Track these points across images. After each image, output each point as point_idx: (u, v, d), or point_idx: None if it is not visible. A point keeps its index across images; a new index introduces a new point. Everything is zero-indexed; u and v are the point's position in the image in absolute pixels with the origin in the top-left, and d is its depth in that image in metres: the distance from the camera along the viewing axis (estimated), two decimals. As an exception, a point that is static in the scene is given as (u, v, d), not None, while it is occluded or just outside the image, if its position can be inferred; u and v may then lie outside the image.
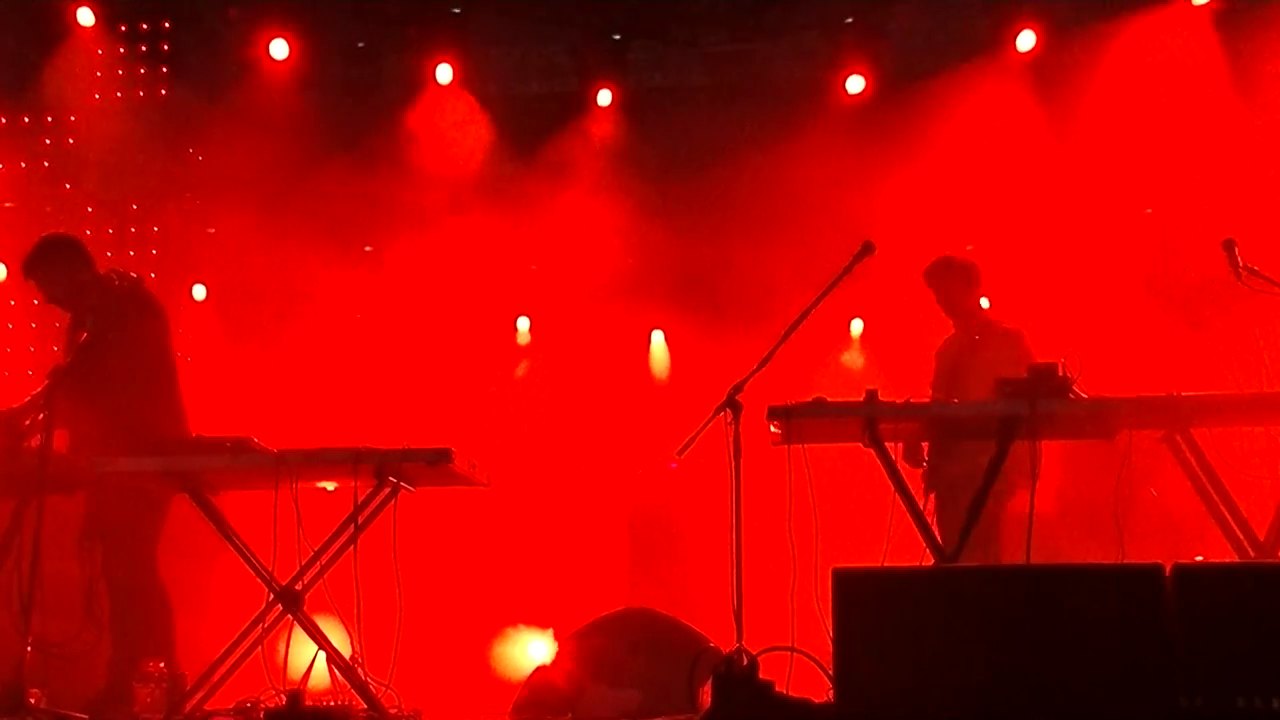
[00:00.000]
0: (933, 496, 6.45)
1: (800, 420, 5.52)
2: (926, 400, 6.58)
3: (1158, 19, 8.70)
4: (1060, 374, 5.39)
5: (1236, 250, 5.57)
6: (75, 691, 5.94)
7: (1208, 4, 8.59)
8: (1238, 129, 8.31)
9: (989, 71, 9.14)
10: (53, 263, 6.33)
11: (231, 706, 5.50)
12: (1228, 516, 5.38)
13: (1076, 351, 5.90)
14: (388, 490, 5.57)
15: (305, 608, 5.55)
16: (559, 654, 6.19)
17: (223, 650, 5.54)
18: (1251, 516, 5.40)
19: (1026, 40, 9.03)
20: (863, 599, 4.47)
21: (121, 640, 5.95)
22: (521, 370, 10.28)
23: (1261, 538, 5.30)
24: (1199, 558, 6.42)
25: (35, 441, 5.37)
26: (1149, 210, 9.08)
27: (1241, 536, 5.33)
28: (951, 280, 6.86)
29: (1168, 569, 4.31)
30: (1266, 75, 8.25)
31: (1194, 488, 5.52)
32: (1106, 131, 8.67)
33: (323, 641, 5.51)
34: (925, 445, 6.58)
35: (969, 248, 9.35)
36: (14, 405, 5.82)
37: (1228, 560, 5.37)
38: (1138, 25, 8.67)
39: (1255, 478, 5.63)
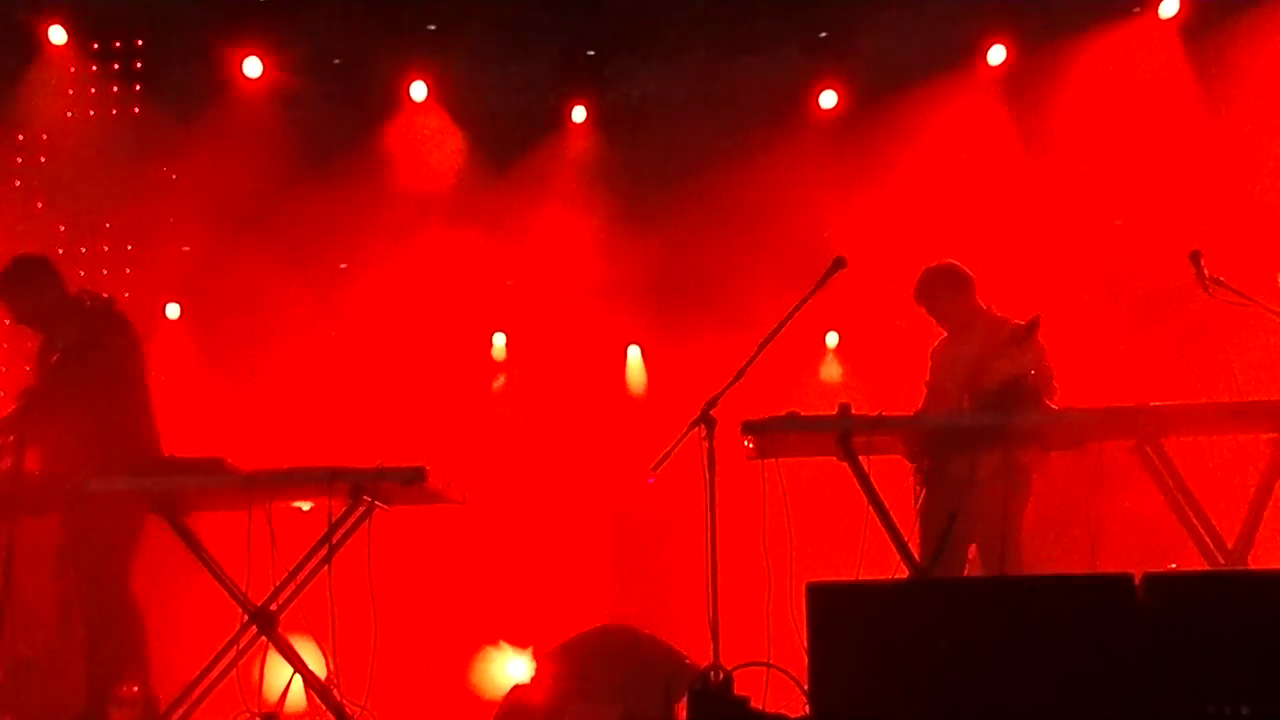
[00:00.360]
0: (923, 493, 6.26)
1: (774, 434, 5.54)
2: (904, 412, 6.49)
3: (1126, 32, 8.77)
4: (1031, 385, 5.42)
5: (1203, 261, 5.62)
6: (48, 714, 5.91)
7: (1174, 18, 8.67)
8: (1205, 141, 8.38)
9: (961, 85, 9.20)
10: (23, 283, 6.30)
11: (207, 729, 5.49)
12: (1197, 525, 5.42)
13: (1048, 361, 5.94)
14: (362, 509, 5.56)
15: (280, 628, 5.53)
16: (536, 672, 6.18)
17: (198, 672, 5.51)
18: (1221, 524, 5.43)
19: (997, 54, 9.09)
20: (837, 613, 4.48)
21: (96, 662, 5.90)
22: (498, 385, 10.26)
23: (1231, 545, 5.33)
24: (1173, 566, 6.46)
25: (7, 463, 5.35)
26: (1119, 222, 9.14)
27: (1211, 544, 5.36)
28: (945, 289, 6.65)
29: (1138, 578, 4.33)
30: (1232, 87, 8.32)
31: (1164, 497, 5.55)
32: (1077, 144, 8.73)
33: (298, 662, 5.48)
34: None
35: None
36: (-15, 426, 5.78)
37: (1198, 568, 5.41)
38: (1106, 39, 8.74)
39: (1224, 486, 5.68)
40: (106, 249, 9.62)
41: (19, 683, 5.69)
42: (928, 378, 6.74)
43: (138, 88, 9.59)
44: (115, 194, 9.62)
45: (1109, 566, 5.15)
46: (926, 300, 6.68)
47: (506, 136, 9.99)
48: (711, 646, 5.17)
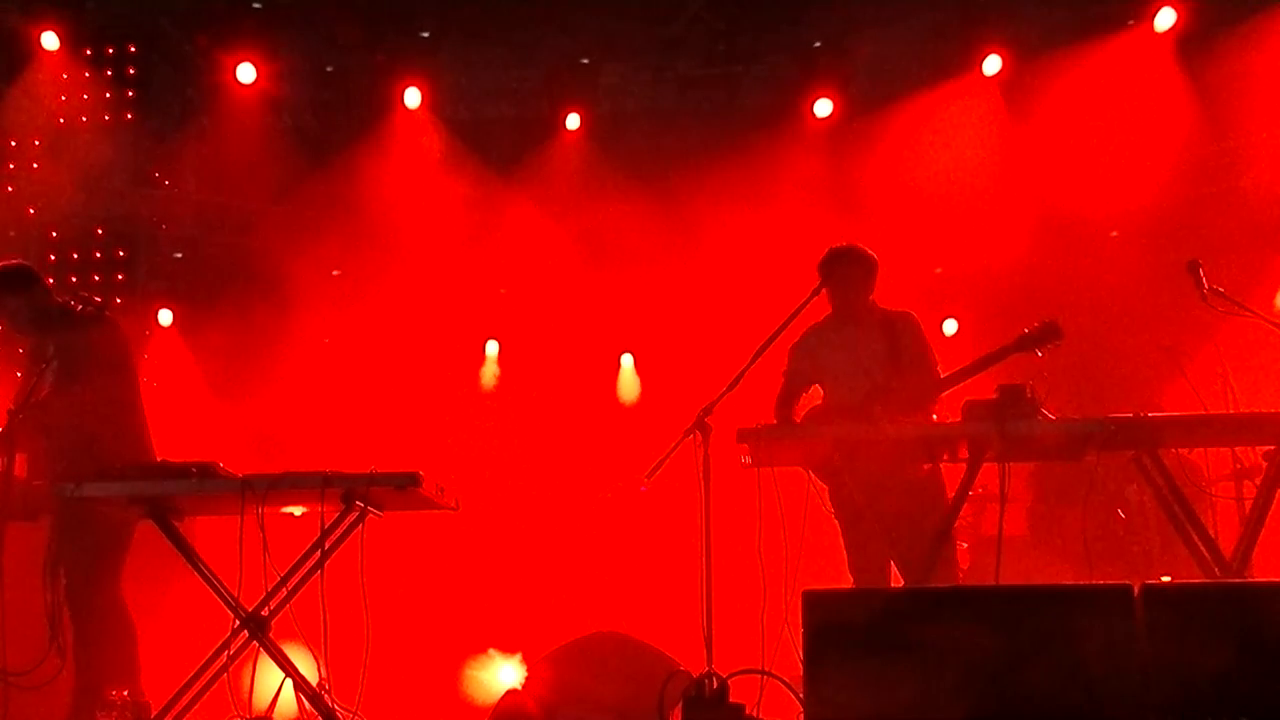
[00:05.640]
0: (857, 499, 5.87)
1: (769, 442, 5.51)
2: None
3: (1122, 43, 8.80)
4: (1029, 395, 5.39)
5: (1201, 271, 5.59)
6: (37, 721, 5.87)
7: (1170, 30, 8.68)
8: (1201, 152, 8.39)
9: (956, 95, 9.22)
10: (11, 290, 6.25)
11: (197, 735, 5.43)
12: (1195, 537, 5.39)
13: (1045, 373, 5.92)
14: (355, 515, 5.52)
15: (272, 634, 5.49)
16: (528, 678, 6.14)
17: (188, 677, 5.47)
18: (1218, 536, 5.41)
19: (993, 64, 9.11)
20: (833, 621, 4.45)
21: (84, 668, 5.86)
22: (490, 392, 10.25)
23: (1228, 557, 5.31)
24: (1165, 578, 6.44)
25: (-2, 469, 5.31)
26: (1114, 234, 9.15)
27: (1209, 556, 5.34)
28: (867, 270, 6.21)
29: (1136, 589, 4.32)
30: (1227, 99, 8.34)
31: (1161, 508, 5.52)
32: (1072, 154, 8.74)
33: (289, 668, 5.44)
34: None
35: (938, 270, 9.43)
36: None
37: (1195, 580, 5.39)
38: (1102, 49, 8.76)
39: (1221, 498, 5.66)
40: (98, 255, 9.60)
41: (9, 690, 5.63)
42: (793, 365, 6.29)
43: (130, 94, 9.58)
44: (107, 200, 9.60)
45: (1103, 577, 5.14)
46: (873, 278, 6.24)
47: (501, 143, 10.00)
48: (705, 654, 5.14)
